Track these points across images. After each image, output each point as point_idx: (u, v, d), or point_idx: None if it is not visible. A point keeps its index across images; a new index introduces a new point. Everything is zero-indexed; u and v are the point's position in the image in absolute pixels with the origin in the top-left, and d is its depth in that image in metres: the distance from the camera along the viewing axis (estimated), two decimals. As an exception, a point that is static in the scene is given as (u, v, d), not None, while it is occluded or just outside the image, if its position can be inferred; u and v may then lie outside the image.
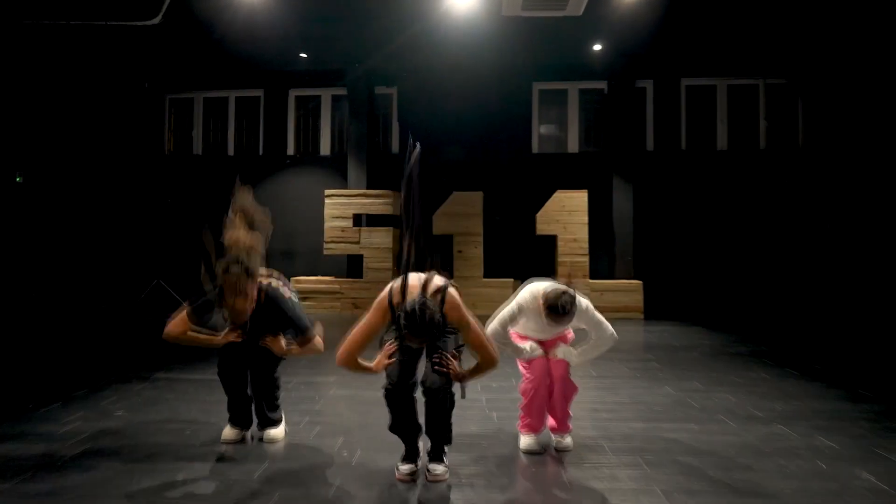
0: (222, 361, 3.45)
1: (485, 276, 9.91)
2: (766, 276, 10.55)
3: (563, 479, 3.07)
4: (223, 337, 3.37)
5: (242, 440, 3.54)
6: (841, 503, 2.79)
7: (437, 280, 2.95)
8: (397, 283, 2.97)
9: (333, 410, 4.29)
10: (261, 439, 3.55)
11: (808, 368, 5.68)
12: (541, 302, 3.26)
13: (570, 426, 3.58)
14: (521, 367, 3.58)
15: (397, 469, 3.08)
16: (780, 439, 3.64)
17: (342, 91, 11.29)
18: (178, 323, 3.28)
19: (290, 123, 11.69)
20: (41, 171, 10.61)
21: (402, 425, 3.07)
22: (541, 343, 3.55)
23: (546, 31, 9.53)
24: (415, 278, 2.94)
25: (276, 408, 3.60)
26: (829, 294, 10.15)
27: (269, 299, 3.32)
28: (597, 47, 9.94)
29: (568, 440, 3.56)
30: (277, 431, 3.57)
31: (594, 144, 11.15)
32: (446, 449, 3.13)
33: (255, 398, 3.54)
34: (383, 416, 3.11)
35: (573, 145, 11.19)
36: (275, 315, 3.36)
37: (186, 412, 4.13)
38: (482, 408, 4.32)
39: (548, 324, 3.27)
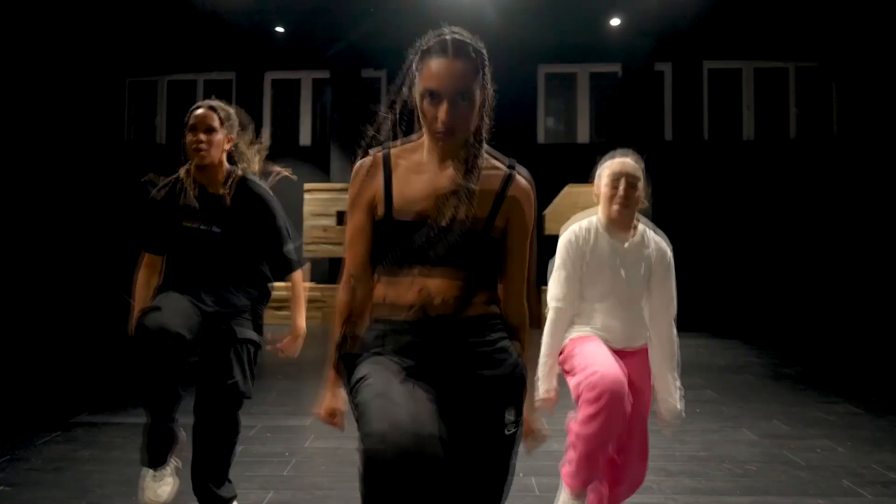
0: (150, 318, 2.21)
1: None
2: (800, 279, 10.09)
3: None
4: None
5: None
6: None
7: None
8: None
9: (309, 479, 3.11)
10: None
11: (899, 399, 4.86)
12: (601, 187, 2.35)
13: None
14: (575, 380, 2.26)
15: None
16: (955, 526, 2.59)
17: (324, 74, 10.84)
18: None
19: (265, 110, 11.18)
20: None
21: None
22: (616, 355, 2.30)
23: (553, 5, 8.86)
24: None
25: (226, 476, 2.51)
26: (872, 299, 9.54)
27: (252, 195, 2.50)
28: (614, 22, 9.24)
29: None
30: None
31: (606, 134, 10.75)
32: None
33: (196, 457, 2.44)
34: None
35: (583, 135, 10.87)
36: (253, 220, 2.48)
37: (99, 484, 2.92)
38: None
39: (618, 211, 2.30)
